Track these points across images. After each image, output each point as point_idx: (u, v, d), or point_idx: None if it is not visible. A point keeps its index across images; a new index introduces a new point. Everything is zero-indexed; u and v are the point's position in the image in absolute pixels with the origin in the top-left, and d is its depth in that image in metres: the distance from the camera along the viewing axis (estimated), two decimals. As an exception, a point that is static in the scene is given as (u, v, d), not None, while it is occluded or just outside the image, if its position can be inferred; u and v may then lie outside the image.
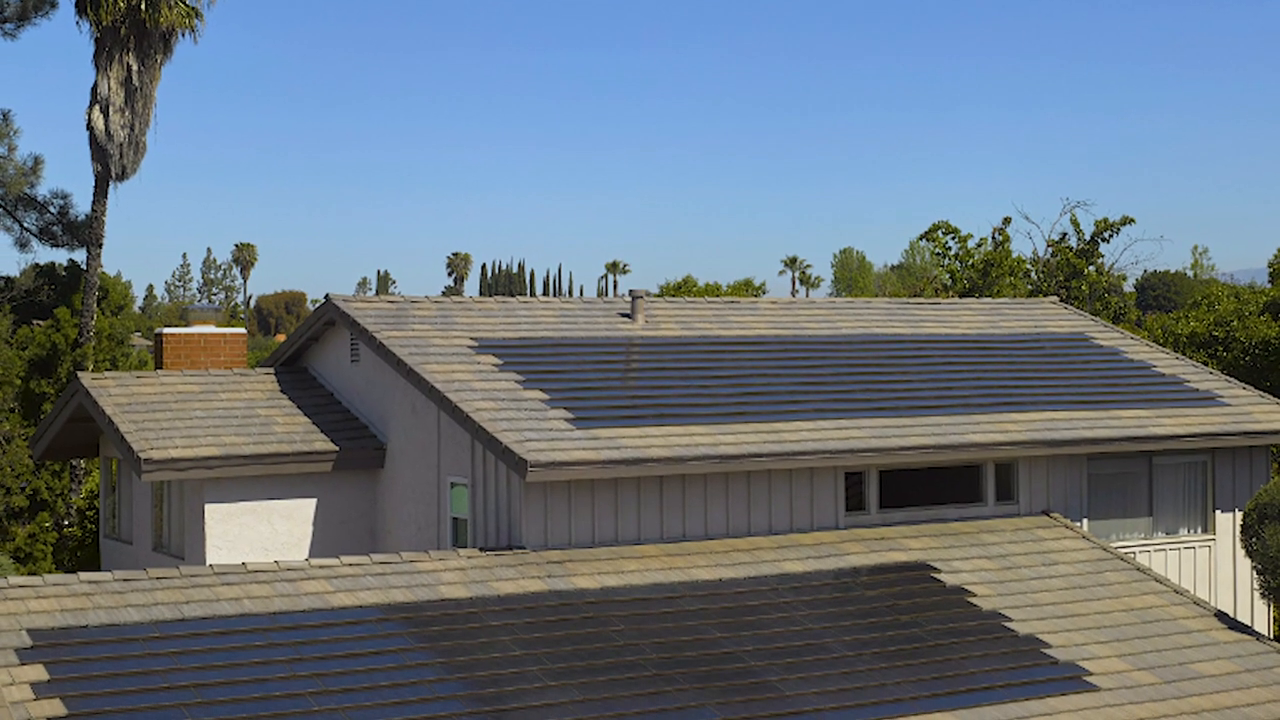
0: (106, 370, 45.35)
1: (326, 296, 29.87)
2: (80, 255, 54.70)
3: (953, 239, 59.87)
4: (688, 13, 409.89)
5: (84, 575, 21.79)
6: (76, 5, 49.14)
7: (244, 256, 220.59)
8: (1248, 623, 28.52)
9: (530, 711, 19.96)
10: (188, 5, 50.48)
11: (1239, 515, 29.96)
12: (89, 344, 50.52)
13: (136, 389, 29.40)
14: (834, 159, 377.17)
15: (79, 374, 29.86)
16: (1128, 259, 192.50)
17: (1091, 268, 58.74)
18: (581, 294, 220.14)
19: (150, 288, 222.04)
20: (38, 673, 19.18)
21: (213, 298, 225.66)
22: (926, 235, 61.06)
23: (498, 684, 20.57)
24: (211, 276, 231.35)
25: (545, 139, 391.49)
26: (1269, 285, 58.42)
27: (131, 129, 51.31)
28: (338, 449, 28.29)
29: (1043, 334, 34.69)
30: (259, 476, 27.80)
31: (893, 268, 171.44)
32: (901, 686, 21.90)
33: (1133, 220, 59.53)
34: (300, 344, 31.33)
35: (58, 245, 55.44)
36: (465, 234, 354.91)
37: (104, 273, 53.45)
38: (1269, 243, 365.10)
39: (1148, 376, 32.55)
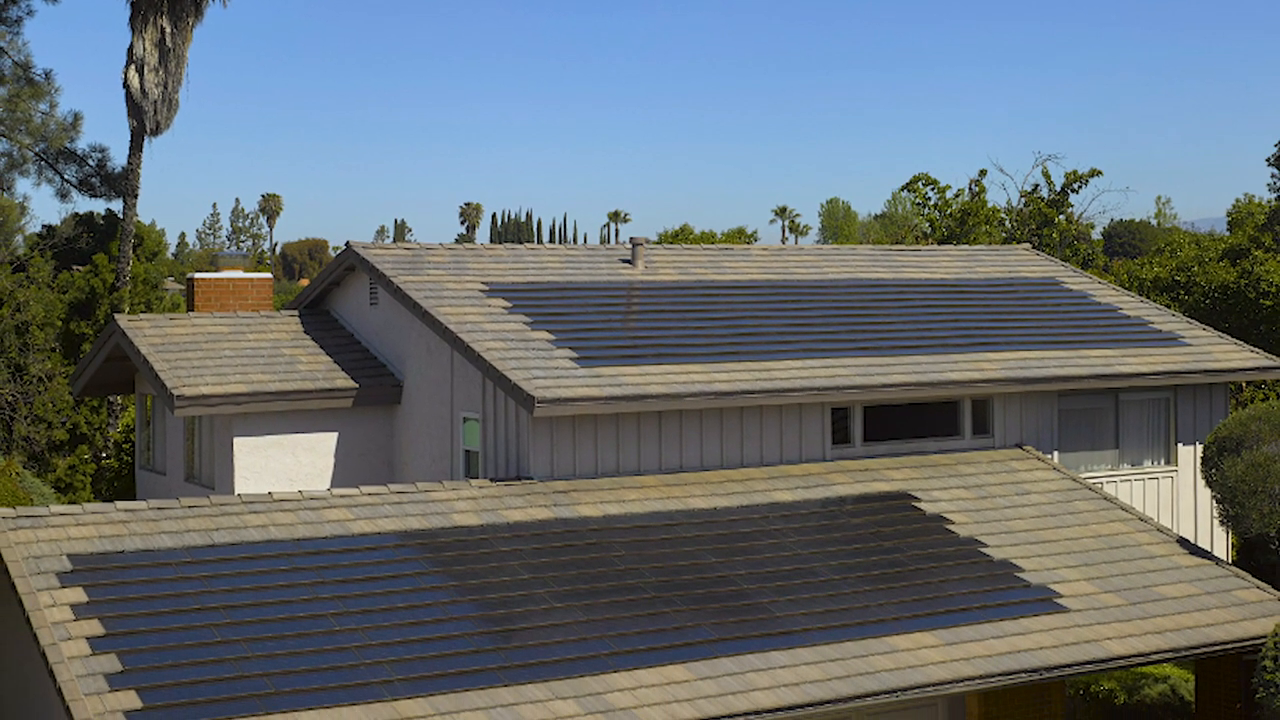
0: (141, 312, 45.18)
1: (347, 244, 29.71)
2: (117, 205, 54.63)
3: (932, 190, 59.64)
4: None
5: (120, 504, 21.74)
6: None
7: (270, 206, 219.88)
8: (1207, 548, 28.46)
9: (537, 630, 19.94)
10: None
11: (1199, 448, 29.91)
12: (125, 288, 50.48)
13: (170, 330, 29.29)
14: (822, 115, 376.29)
15: (116, 316, 29.72)
16: (1096, 209, 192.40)
17: (1062, 217, 58.57)
18: (585, 242, 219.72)
19: (182, 235, 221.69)
20: (77, 595, 19.16)
21: (240, 245, 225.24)
22: (908, 186, 60.82)
23: (507, 605, 20.55)
24: (240, 225, 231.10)
25: (552, 96, 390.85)
26: (1227, 233, 58.28)
27: (165, 87, 51.15)
28: (358, 386, 28.19)
29: (1016, 279, 34.54)
30: (284, 412, 27.72)
31: (876, 217, 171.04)
32: (884, 608, 21.88)
33: (1100, 172, 59.33)
34: (322, 288, 31.20)
35: (96, 196, 55.40)
36: (477, 185, 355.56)
37: (139, 221, 53.34)
38: (1228, 193, 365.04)
39: (1114, 318, 32.44)
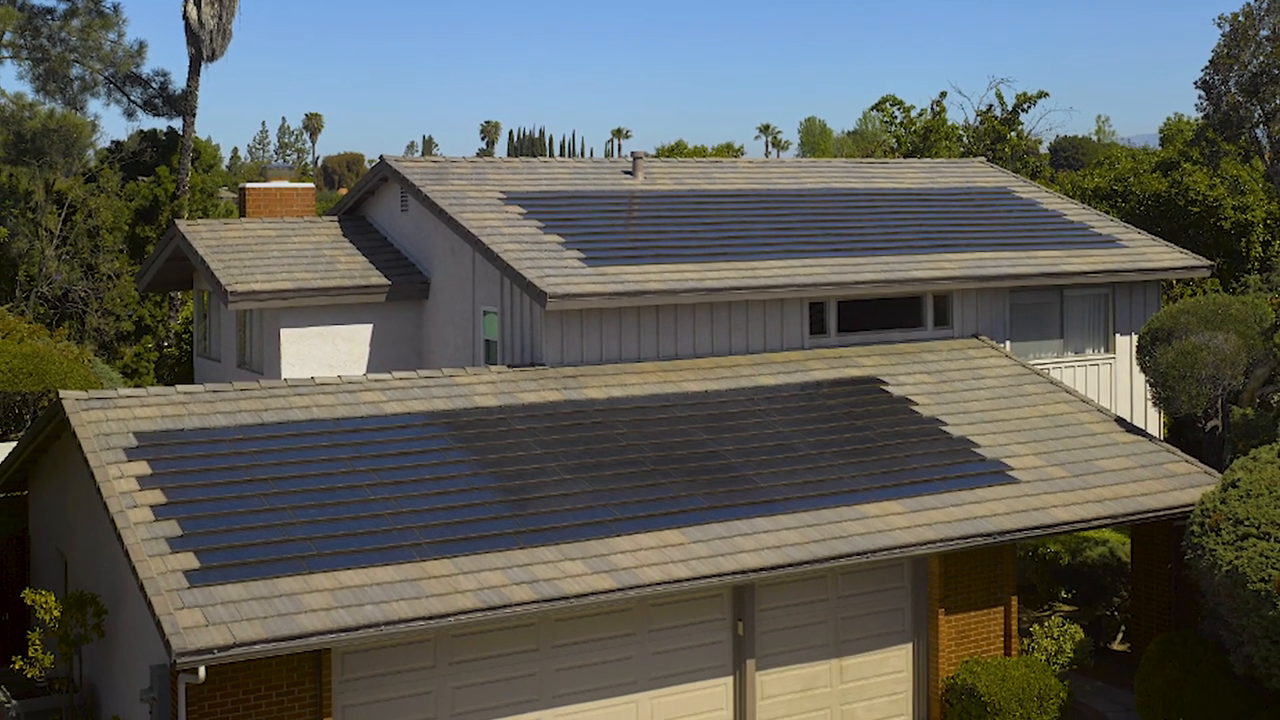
0: (199, 218, 44.90)
1: (381, 157, 29.38)
2: (177, 123, 54.43)
3: (898, 110, 58.93)
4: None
5: (180, 387, 21.56)
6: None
7: (313, 124, 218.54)
8: (1142, 427, 28.31)
9: (549, 499, 19.82)
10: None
11: (1135, 338, 29.70)
12: (184, 196, 50.28)
13: (224, 233, 29.03)
14: (802, 41, 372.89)
15: (176, 221, 29.46)
16: (1043, 126, 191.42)
17: (1013, 134, 57.88)
18: (591, 155, 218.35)
19: (235, 150, 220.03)
20: (142, 468, 19.00)
21: (286, 159, 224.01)
22: (877, 106, 60.05)
23: (522, 477, 20.40)
24: (285, 141, 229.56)
25: (564, 24, 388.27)
26: (1160, 148, 57.81)
27: (219, 19, 50.78)
28: (390, 283, 27.95)
29: (973, 188, 34.18)
30: (325, 306, 27.50)
31: (849, 133, 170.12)
32: (856, 479, 21.73)
33: (1047, 94, 58.57)
34: (359, 197, 30.90)
35: (159, 115, 55.31)
36: (496, 105, 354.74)
37: (197, 138, 53.09)
38: (1160, 112, 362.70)
39: (1060, 223, 32.11)
